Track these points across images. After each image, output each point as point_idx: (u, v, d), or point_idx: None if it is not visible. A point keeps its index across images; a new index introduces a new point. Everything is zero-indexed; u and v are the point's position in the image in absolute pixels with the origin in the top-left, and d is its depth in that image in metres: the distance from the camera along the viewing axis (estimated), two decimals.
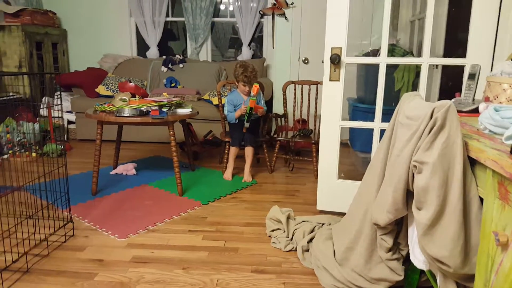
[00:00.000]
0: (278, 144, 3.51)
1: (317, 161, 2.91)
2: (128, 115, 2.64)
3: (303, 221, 2.32)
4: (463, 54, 2.23)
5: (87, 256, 2.00)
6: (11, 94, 3.86)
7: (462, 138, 1.20)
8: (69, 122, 4.56)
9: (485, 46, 2.16)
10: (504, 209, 1.02)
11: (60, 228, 2.19)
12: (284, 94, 3.58)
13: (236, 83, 3.24)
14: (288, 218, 2.31)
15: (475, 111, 1.61)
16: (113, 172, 3.33)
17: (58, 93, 2.36)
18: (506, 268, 0.99)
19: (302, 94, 3.55)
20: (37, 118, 4.15)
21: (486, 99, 1.58)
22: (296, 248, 2.10)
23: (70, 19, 5.09)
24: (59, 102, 2.18)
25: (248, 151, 3.26)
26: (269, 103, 4.49)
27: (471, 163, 1.22)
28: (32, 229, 2.13)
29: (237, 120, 3.21)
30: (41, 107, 4.17)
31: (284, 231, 2.23)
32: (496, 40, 2.12)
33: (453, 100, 1.79)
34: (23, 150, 3.62)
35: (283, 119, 3.71)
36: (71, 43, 5.18)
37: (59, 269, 1.88)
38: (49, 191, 2.21)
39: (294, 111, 3.68)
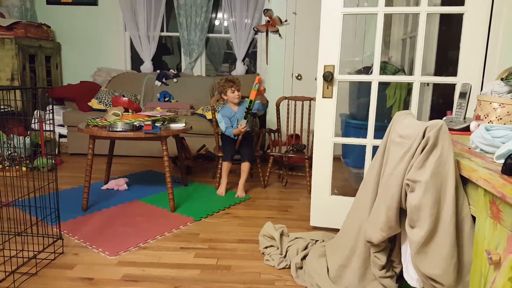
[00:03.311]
0: (271, 159, 3.51)
1: (310, 176, 2.90)
2: (120, 129, 2.63)
3: (296, 238, 2.31)
4: (453, 73, 2.27)
5: (76, 275, 1.96)
6: (2, 107, 3.83)
7: (454, 157, 1.21)
8: (61, 136, 4.53)
9: (475, 66, 2.20)
10: (496, 227, 1.02)
11: (49, 245, 2.15)
12: (278, 110, 3.60)
13: (225, 97, 3.24)
14: (281, 234, 2.29)
15: (466, 129, 1.63)
16: (105, 187, 3.30)
17: (50, 106, 2.35)
18: (499, 287, 0.99)
19: (295, 109, 3.57)
20: (28, 132, 4.11)
21: (477, 118, 1.60)
22: (289, 265, 2.08)
23: (64, 32, 5.11)
24: (50, 116, 2.16)
25: (245, 166, 3.25)
26: (262, 118, 4.51)
27: (463, 181, 1.23)
28: (20, 246, 2.08)
29: (236, 137, 3.21)
30: (33, 121, 4.13)
31: (278, 248, 2.21)
32: (486, 60, 2.16)
33: (444, 118, 1.81)
34: (13, 165, 3.58)
35: (276, 134, 3.72)
36: (64, 56, 5.18)
37: None
38: (38, 207, 2.17)
39: (288, 126, 3.69)
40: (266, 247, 2.25)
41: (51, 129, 2.24)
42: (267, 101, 3.29)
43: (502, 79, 1.55)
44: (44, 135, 3.89)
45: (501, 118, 1.51)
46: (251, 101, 3.03)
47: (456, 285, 1.22)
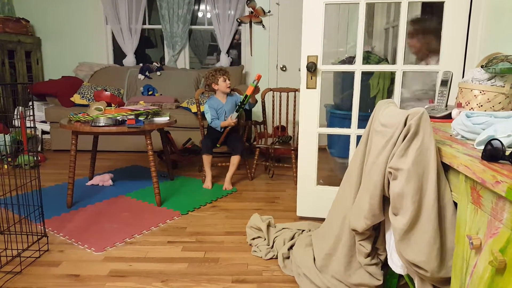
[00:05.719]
0: (257, 151, 3.51)
1: (296, 167, 2.91)
2: (103, 124, 2.59)
3: (283, 228, 2.32)
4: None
5: (62, 272, 1.93)
6: None
7: (436, 144, 1.22)
8: (44, 132, 4.44)
9: (456, 54, 2.23)
10: (477, 213, 1.04)
11: (34, 243, 2.11)
12: (263, 101, 3.59)
13: (216, 86, 3.21)
14: (268, 225, 2.30)
15: (448, 117, 1.65)
16: (89, 183, 3.25)
17: (31, 103, 2.30)
18: (480, 271, 1.01)
19: (280, 101, 3.57)
20: (10, 129, 4.02)
21: (459, 105, 1.62)
22: (277, 256, 2.09)
23: (44, 27, 4.98)
24: (31, 112, 2.11)
25: (235, 159, 3.23)
26: (248, 110, 4.49)
27: (445, 168, 1.24)
28: (3, 245, 2.05)
29: (222, 130, 3.20)
30: (14, 117, 4.04)
31: (265, 239, 2.22)
32: (467, 48, 2.19)
33: (426, 106, 1.83)
34: None
35: (262, 126, 3.72)
36: (45, 51, 5.06)
37: (33, 286, 1.80)
38: (22, 205, 2.14)
39: (273, 118, 3.69)
40: (254, 239, 2.25)
41: (32, 125, 2.19)
42: (256, 101, 3.28)
43: (482, 67, 1.57)
44: (26, 131, 3.80)
45: (481, 105, 1.53)
46: (246, 96, 3.01)
47: (439, 270, 1.24)
